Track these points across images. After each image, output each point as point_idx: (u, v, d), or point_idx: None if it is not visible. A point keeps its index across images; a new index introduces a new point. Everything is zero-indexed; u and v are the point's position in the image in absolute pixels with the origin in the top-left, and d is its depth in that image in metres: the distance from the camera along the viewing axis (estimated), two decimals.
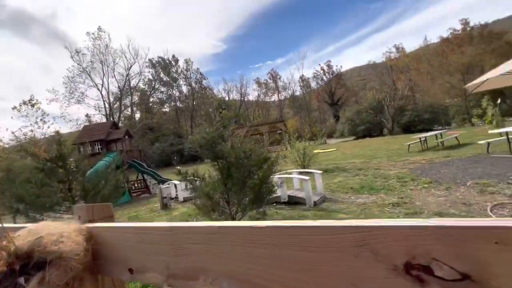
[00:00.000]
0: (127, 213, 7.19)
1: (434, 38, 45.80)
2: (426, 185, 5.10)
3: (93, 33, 34.04)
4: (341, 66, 56.80)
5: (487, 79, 7.69)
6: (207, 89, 51.05)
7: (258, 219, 3.12)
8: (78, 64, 33.02)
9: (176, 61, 46.03)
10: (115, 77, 35.82)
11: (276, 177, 4.91)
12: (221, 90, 58.05)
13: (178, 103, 47.76)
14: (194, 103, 46.82)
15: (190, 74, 47.69)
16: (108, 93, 35.69)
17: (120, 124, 35.55)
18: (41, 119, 26.35)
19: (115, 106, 36.92)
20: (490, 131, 8.55)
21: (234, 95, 57.99)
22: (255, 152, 3.14)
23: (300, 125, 45.38)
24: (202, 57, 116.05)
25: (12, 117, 29.80)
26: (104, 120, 33.62)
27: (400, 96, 35.81)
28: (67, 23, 64.28)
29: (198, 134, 3.34)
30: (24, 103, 26.39)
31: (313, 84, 57.75)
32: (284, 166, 8.10)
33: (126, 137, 13.63)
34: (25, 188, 4.41)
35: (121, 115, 37.02)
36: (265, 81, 60.55)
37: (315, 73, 57.73)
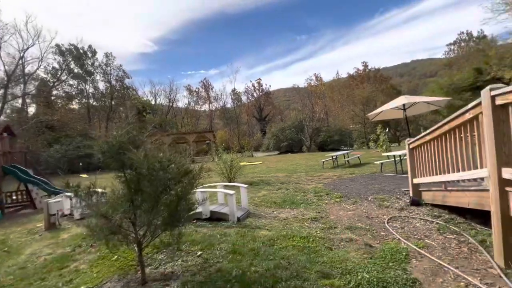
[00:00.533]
0: None
1: (344, 73, 54.97)
2: (338, 199, 5.60)
3: None
4: (270, 85, 60.88)
5: (381, 111, 9.39)
6: (130, 89, 45.94)
7: (169, 244, 2.64)
8: None
9: (94, 52, 39.93)
10: (1, 58, 28.12)
11: (198, 192, 4.49)
12: (147, 93, 53.45)
13: (91, 101, 41.09)
14: (113, 102, 41.21)
15: (110, 70, 42.04)
16: None
17: (1, 117, 27.87)
18: None
19: None
20: (383, 154, 10.40)
21: (162, 100, 54.24)
22: (174, 163, 2.70)
23: (229, 137, 45.71)
24: (128, 55, 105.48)
25: None
26: None
27: (317, 118, 40.79)
28: None
29: (102, 139, 2.67)
30: None
31: (244, 99, 59.71)
32: (209, 178, 7.70)
33: (5, 134, 10.50)
34: None
35: (6, 106, 29.04)
36: (196, 89, 59.08)
37: (246, 88, 59.96)
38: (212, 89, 59.16)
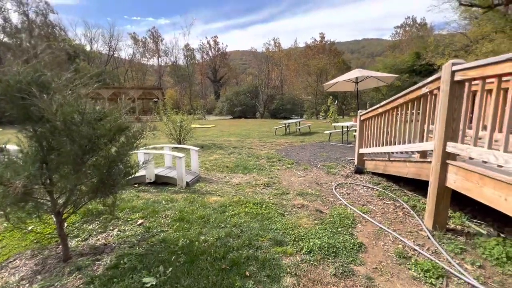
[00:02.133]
0: None
1: (302, 43, 54.79)
2: (289, 166, 5.68)
3: None
4: (227, 45, 57.47)
5: (337, 82, 9.60)
6: (57, 28, 37.76)
7: (99, 214, 2.20)
8: None
9: None
10: None
11: (140, 153, 3.93)
12: (79, 35, 45.02)
13: (2, 36, 32.61)
14: (32, 41, 33.49)
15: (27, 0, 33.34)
16: None
17: None
18: None
19: None
20: (333, 124, 10.95)
21: (100, 47, 46.58)
22: (105, 116, 2.13)
23: (180, 97, 42.79)
24: None
25: None
26: None
27: (273, 85, 40.68)
28: None
29: None
30: None
31: (198, 57, 55.45)
32: (155, 139, 7.00)
33: None
34: None
35: None
36: (143, 39, 52.17)
37: (201, 45, 55.42)
38: (162, 41, 53.11)
